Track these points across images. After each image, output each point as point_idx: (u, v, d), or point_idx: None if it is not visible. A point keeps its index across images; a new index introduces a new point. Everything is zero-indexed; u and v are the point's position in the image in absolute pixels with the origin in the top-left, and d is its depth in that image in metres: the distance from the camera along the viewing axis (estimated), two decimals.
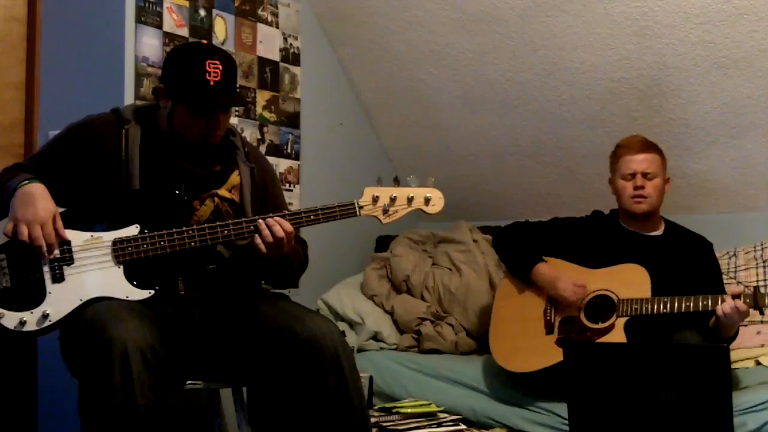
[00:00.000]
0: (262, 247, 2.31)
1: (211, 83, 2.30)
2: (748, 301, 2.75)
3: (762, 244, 3.49)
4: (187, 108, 2.34)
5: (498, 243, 3.30)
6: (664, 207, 3.14)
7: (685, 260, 3.05)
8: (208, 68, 2.29)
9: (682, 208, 3.10)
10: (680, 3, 3.30)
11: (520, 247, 3.19)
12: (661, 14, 3.35)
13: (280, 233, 2.30)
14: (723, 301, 2.76)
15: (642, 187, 3.03)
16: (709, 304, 2.76)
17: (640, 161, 3.05)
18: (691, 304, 2.79)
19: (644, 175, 3.04)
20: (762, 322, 3.29)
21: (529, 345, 3.06)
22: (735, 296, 2.75)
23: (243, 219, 2.34)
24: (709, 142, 3.60)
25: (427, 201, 2.40)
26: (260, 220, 2.31)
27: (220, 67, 2.31)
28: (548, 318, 3.07)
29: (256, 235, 2.31)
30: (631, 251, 3.04)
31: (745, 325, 3.28)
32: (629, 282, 2.95)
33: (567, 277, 3.04)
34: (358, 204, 2.37)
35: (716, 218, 3.24)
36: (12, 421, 3.20)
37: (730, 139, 3.56)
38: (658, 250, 3.06)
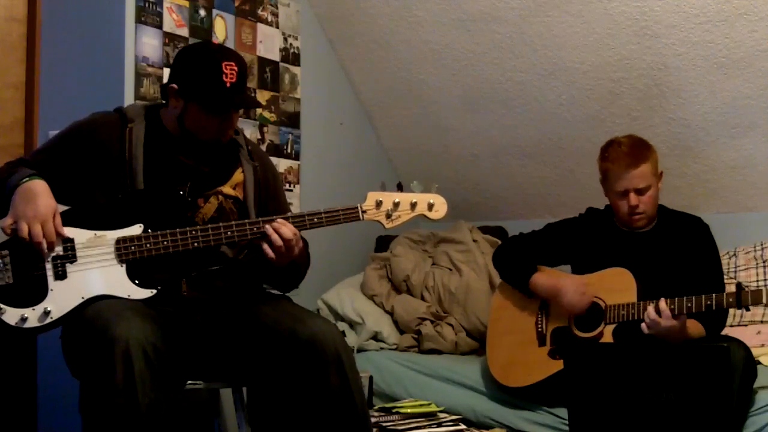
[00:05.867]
0: (270, 252, 2.29)
1: (228, 85, 2.31)
2: (731, 300, 2.63)
3: (762, 244, 3.49)
4: (201, 108, 2.35)
5: (496, 261, 3.26)
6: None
7: (681, 249, 2.95)
8: (224, 69, 2.31)
9: (682, 208, 3.08)
10: (680, 3, 3.30)
11: (515, 262, 3.15)
12: (661, 14, 3.35)
13: (288, 234, 2.29)
14: (709, 301, 2.65)
15: (637, 206, 2.91)
16: (693, 306, 2.67)
17: (631, 179, 2.88)
18: (675, 308, 2.69)
19: (638, 191, 2.90)
20: (762, 321, 3.29)
21: (523, 358, 3.05)
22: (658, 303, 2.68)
23: (246, 221, 2.33)
24: (709, 142, 3.60)
25: (431, 207, 2.39)
26: (267, 226, 2.29)
27: (236, 68, 2.33)
28: (540, 329, 3.05)
29: (264, 243, 2.29)
30: (625, 250, 2.98)
31: (745, 325, 3.28)
32: (616, 287, 2.88)
33: (568, 285, 2.95)
34: (361, 208, 2.36)
35: (716, 218, 3.23)
36: (12, 419, 3.19)
37: (730, 139, 3.56)
38: (651, 245, 2.98)
